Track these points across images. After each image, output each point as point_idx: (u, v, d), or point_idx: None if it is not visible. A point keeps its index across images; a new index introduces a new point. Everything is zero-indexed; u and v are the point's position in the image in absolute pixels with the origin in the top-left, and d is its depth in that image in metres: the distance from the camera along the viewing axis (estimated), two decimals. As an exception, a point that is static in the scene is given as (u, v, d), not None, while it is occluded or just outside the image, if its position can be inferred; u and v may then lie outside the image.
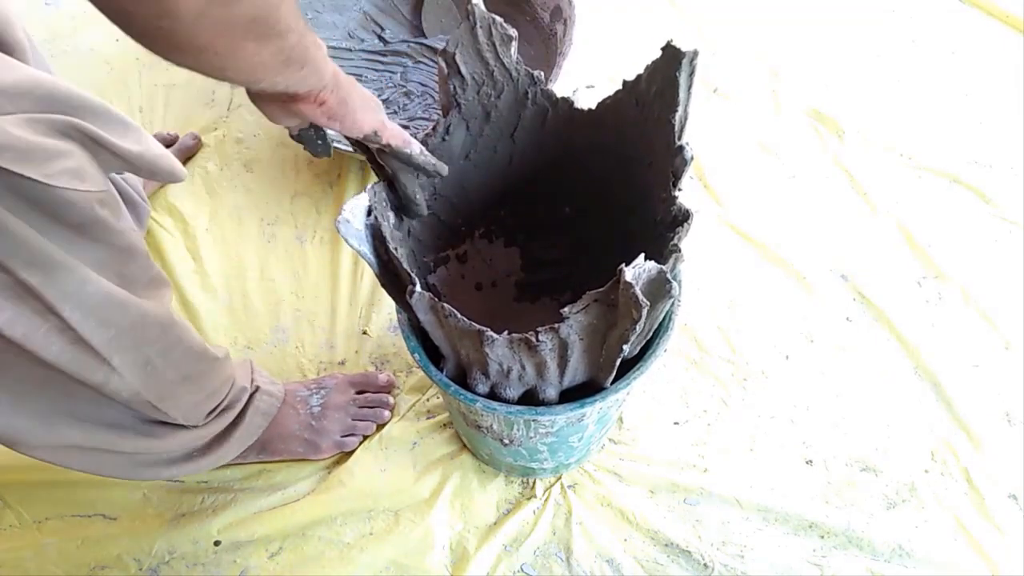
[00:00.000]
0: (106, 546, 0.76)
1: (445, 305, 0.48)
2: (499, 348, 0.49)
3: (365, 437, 0.82)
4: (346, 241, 0.50)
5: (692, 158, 0.51)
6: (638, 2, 1.33)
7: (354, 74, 1.16)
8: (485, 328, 0.48)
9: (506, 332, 0.48)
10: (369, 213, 0.52)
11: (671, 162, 0.52)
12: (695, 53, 0.49)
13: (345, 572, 0.74)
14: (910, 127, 1.13)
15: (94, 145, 0.51)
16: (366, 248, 0.51)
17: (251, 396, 0.73)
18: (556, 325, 0.47)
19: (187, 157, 1.09)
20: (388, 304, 0.93)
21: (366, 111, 0.49)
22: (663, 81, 0.52)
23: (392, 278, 0.53)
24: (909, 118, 1.15)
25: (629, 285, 0.42)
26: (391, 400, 0.84)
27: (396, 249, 0.51)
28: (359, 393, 0.83)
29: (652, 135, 0.55)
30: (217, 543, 0.76)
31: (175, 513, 0.78)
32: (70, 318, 0.49)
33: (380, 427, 0.83)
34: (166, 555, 0.75)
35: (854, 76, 1.21)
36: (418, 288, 0.48)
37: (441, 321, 0.50)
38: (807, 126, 1.14)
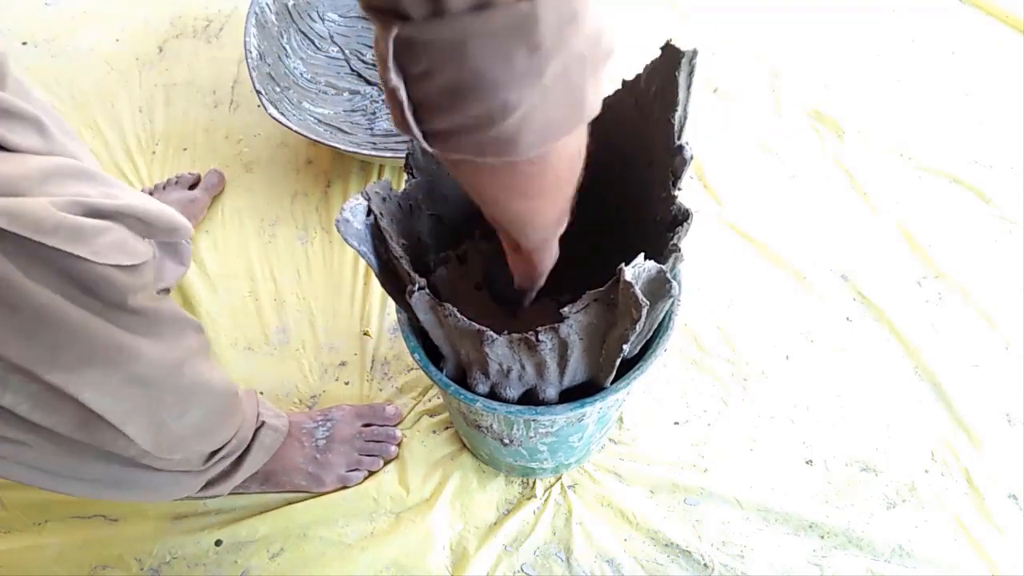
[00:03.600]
0: (107, 546, 0.76)
1: (445, 305, 0.48)
2: (499, 348, 0.49)
3: (371, 472, 0.80)
4: (346, 241, 0.50)
5: (692, 157, 0.51)
6: (638, 2, 1.33)
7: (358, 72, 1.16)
8: (485, 328, 0.48)
9: (506, 332, 0.48)
10: (369, 213, 0.52)
11: (671, 161, 0.52)
12: (694, 52, 0.49)
13: (346, 572, 0.74)
14: (910, 127, 1.13)
15: (128, 217, 0.49)
16: (366, 248, 0.51)
17: (255, 432, 0.71)
18: (556, 325, 0.47)
19: (214, 196, 1.05)
20: (389, 305, 0.94)
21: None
22: (662, 80, 0.52)
23: (392, 278, 0.53)
24: (909, 118, 1.15)
25: (629, 285, 0.42)
26: (398, 434, 0.82)
27: (396, 248, 0.51)
28: (366, 426, 0.81)
29: (652, 134, 0.55)
30: (218, 543, 0.76)
31: (176, 513, 0.78)
32: (87, 400, 0.47)
33: (386, 462, 0.81)
34: (167, 555, 0.75)
35: (854, 76, 1.21)
36: (418, 287, 0.48)
37: (441, 321, 0.50)
38: (807, 126, 1.14)
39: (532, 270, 0.50)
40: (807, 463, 0.81)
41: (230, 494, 0.76)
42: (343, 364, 0.89)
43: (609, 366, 0.52)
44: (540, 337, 0.48)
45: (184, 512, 0.78)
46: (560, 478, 0.79)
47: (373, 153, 0.94)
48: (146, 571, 0.75)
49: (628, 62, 1.18)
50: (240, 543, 0.76)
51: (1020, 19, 1.28)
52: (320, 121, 1.06)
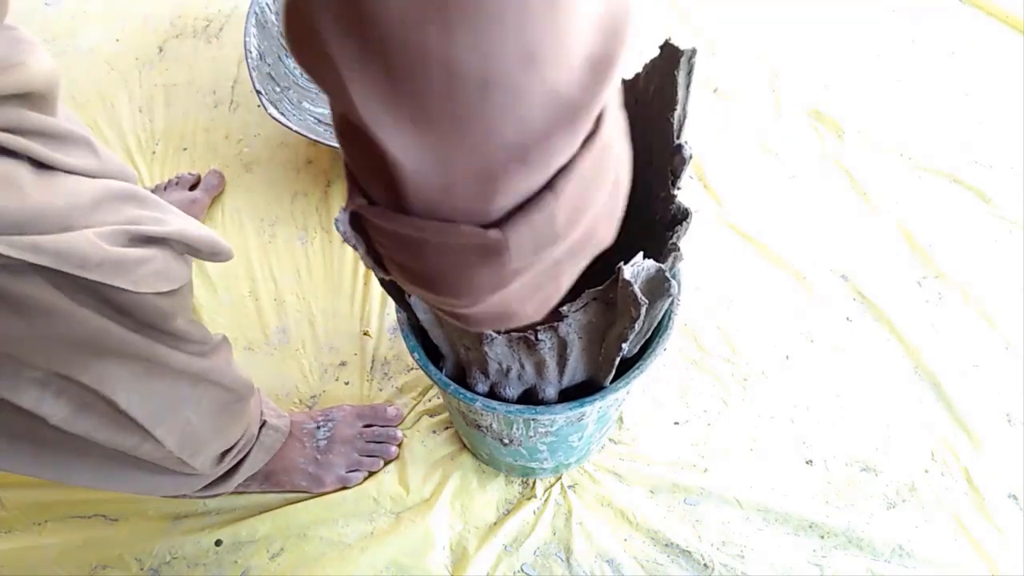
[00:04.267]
0: (107, 546, 0.76)
1: None
2: (498, 347, 0.49)
3: (371, 473, 0.80)
4: (345, 239, 0.49)
5: (691, 156, 0.51)
6: (638, 2, 1.33)
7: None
8: None
9: (504, 331, 0.48)
10: None
11: (670, 161, 0.52)
12: (693, 51, 0.49)
13: (346, 572, 0.74)
14: (910, 127, 1.13)
15: (175, 243, 0.50)
16: (364, 248, 0.51)
17: (258, 432, 0.72)
18: (555, 324, 0.47)
19: (214, 197, 1.05)
20: (389, 305, 0.94)
21: None
22: (661, 79, 0.52)
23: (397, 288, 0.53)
24: (909, 118, 1.15)
25: (628, 283, 0.42)
26: (399, 435, 0.82)
27: None
28: (367, 427, 0.81)
29: (651, 134, 0.55)
30: (218, 543, 0.76)
31: (176, 513, 0.78)
32: (120, 401, 0.49)
33: (387, 463, 0.81)
34: (167, 555, 0.75)
35: (854, 76, 1.21)
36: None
37: (440, 320, 0.50)
38: (807, 126, 1.14)
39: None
40: (807, 463, 0.81)
41: (231, 493, 0.76)
42: (343, 364, 0.89)
43: (608, 365, 0.52)
44: (539, 336, 0.48)
45: (184, 512, 0.78)
46: (560, 478, 0.79)
47: None
48: (146, 571, 0.75)
49: (628, 60, 1.16)
50: (240, 543, 0.76)
51: (1020, 19, 1.27)
52: (320, 121, 1.06)
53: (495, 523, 0.77)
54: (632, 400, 0.85)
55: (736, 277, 0.96)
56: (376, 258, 0.28)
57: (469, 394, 0.55)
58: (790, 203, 1.04)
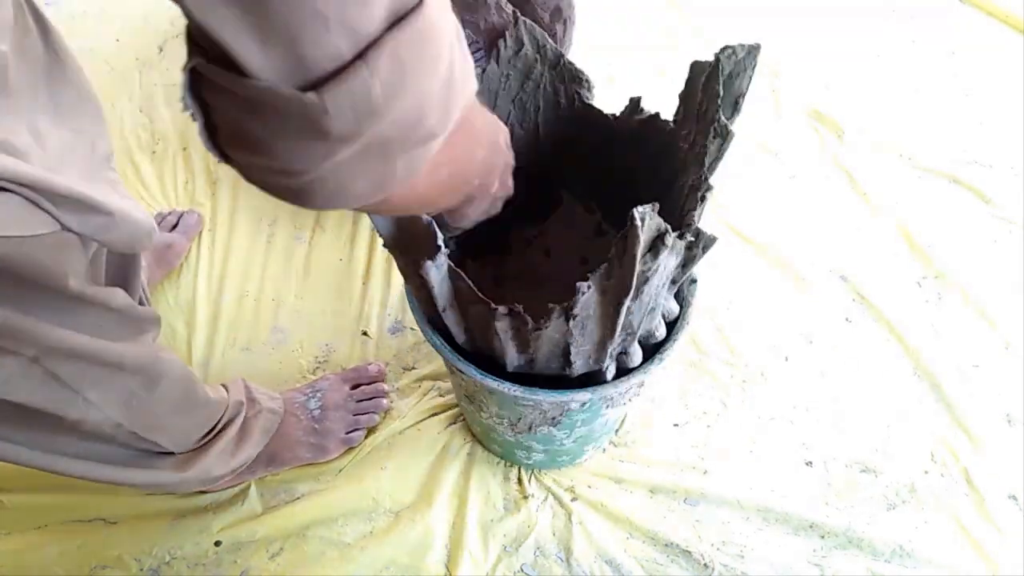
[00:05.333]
0: (107, 547, 0.76)
1: (462, 274, 0.49)
2: (504, 321, 0.49)
3: (370, 430, 0.82)
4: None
5: (732, 135, 0.51)
6: (638, 2, 1.33)
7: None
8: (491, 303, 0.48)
9: (517, 305, 0.49)
10: None
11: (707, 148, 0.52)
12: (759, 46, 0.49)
13: (345, 572, 0.74)
14: (910, 127, 1.13)
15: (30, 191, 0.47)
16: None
17: (253, 416, 0.73)
18: (565, 303, 0.47)
19: (192, 237, 1.01)
20: (388, 305, 0.94)
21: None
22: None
23: (406, 246, 0.52)
24: (909, 118, 1.15)
25: (632, 217, 0.42)
26: (386, 387, 0.85)
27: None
28: (354, 388, 0.84)
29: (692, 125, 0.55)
30: (218, 543, 0.76)
31: (176, 514, 0.78)
32: (35, 357, 0.49)
33: (384, 415, 0.84)
34: (167, 555, 0.75)
35: (854, 76, 1.21)
36: (442, 250, 0.48)
37: (457, 287, 0.50)
38: (807, 126, 1.14)
39: (472, 212, 0.46)
40: (807, 464, 0.81)
41: (236, 483, 0.77)
42: (342, 365, 0.89)
43: (611, 330, 0.51)
44: (550, 316, 0.48)
45: (184, 512, 0.78)
46: (560, 479, 0.79)
47: None
48: (146, 571, 0.75)
49: (628, 61, 1.19)
50: (240, 543, 0.76)
51: (1020, 19, 1.28)
52: None
53: (495, 523, 0.77)
54: (632, 402, 0.85)
55: (736, 278, 0.96)
56: (212, 134, 0.28)
57: (464, 361, 0.55)
58: (790, 203, 1.04)
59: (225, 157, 0.29)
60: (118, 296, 0.55)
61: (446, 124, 0.30)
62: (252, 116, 0.26)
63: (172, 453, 0.66)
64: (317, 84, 0.24)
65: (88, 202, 0.48)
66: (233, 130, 0.27)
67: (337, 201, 0.30)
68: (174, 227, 1.00)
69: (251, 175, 0.30)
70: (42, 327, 0.49)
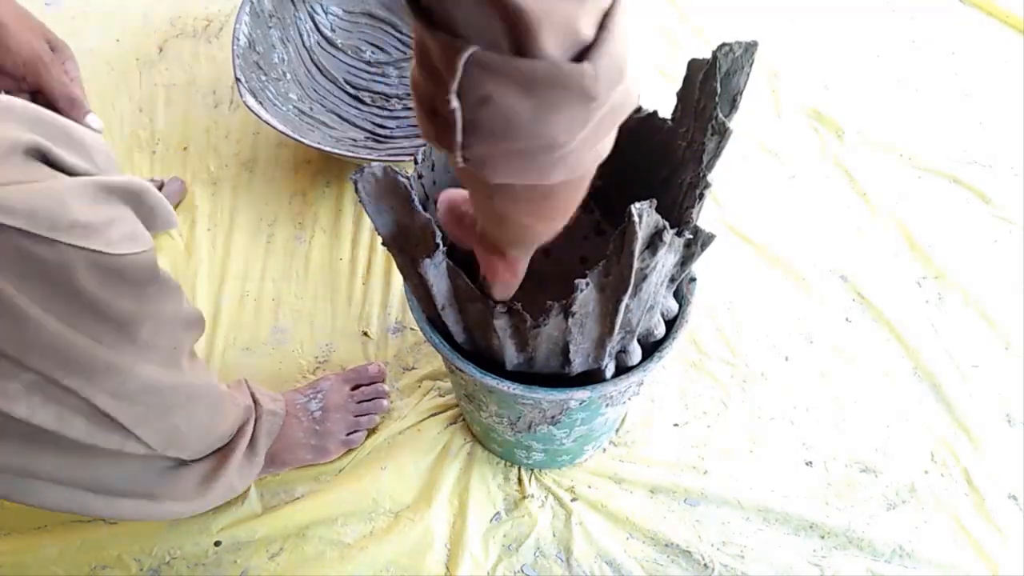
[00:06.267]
0: (107, 546, 0.76)
1: (460, 272, 0.48)
2: (503, 319, 0.49)
3: (370, 431, 0.82)
4: (360, 199, 0.48)
5: (730, 132, 0.51)
6: (638, 2, 1.33)
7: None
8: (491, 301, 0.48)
9: (515, 303, 0.49)
10: (385, 172, 0.51)
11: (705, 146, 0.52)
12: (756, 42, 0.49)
13: (345, 572, 0.74)
14: (910, 127, 1.13)
15: (135, 202, 0.49)
16: (381, 206, 0.50)
17: (256, 421, 0.73)
18: (564, 301, 0.47)
19: (176, 203, 1.04)
20: (388, 305, 0.94)
21: None
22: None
23: (404, 244, 0.52)
24: (909, 118, 1.15)
25: (630, 213, 0.42)
26: (385, 388, 0.85)
27: (421, 212, 0.50)
28: (354, 389, 0.84)
29: (691, 123, 0.55)
30: (217, 543, 0.76)
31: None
32: (102, 404, 0.49)
33: (382, 416, 0.84)
34: (166, 555, 0.75)
35: (854, 76, 1.21)
36: (441, 248, 0.48)
37: (456, 286, 0.50)
38: (807, 126, 1.14)
39: (512, 276, 0.49)
40: (807, 464, 0.81)
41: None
42: (342, 365, 0.89)
43: (610, 328, 0.51)
44: (548, 313, 0.48)
45: (183, 512, 0.78)
46: (560, 479, 0.79)
47: (337, 151, 0.95)
48: (146, 571, 0.74)
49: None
50: (240, 543, 0.76)
51: (1020, 19, 1.28)
52: (302, 113, 1.06)
53: (495, 523, 0.77)
54: (632, 402, 0.85)
55: (735, 278, 0.96)
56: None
57: (462, 359, 0.55)
58: (790, 203, 1.04)
59: (465, 157, 0.30)
60: (184, 295, 0.56)
61: (638, 97, 0.33)
62: (527, 96, 0.27)
63: (189, 476, 0.66)
64: (582, 55, 0.27)
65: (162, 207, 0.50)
66: (504, 117, 0.28)
67: (573, 170, 0.32)
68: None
69: (495, 165, 0.31)
70: (125, 365, 0.48)
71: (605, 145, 0.33)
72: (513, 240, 0.44)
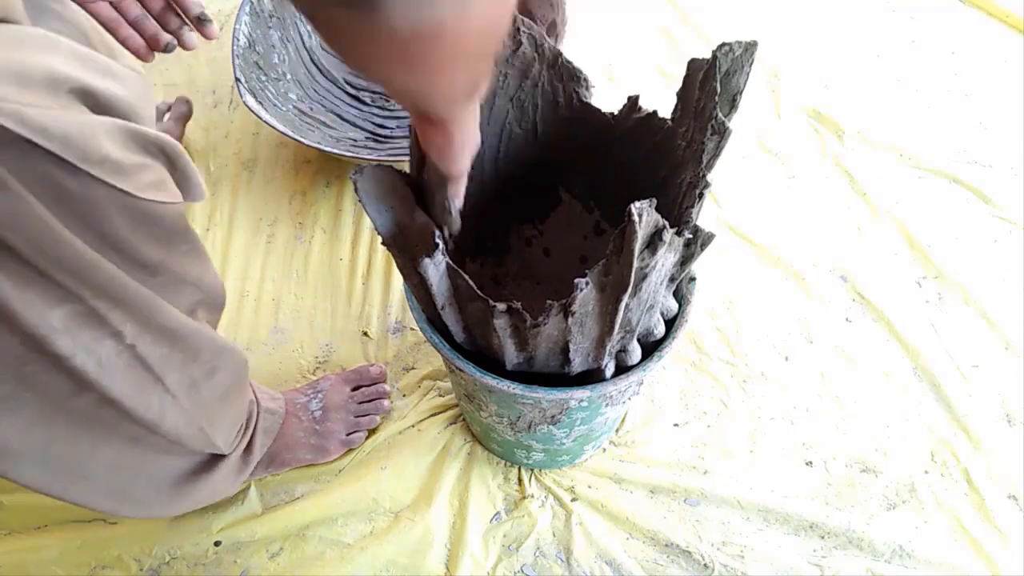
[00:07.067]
0: (107, 547, 0.76)
1: (461, 272, 0.48)
2: (503, 319, 0.49)
3: (371, 431, 0.82)
4: (359, 196, 0.48)
5: (730, 133, 0.51)
6: (638, 2, 1.33)
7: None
8: (491, 301, 0.48)
9: (516, 302, 0.49)
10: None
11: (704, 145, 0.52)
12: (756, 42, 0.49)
13: (345, 572, 0.74)
14: (910, 127, 1.13)
15: (167, 161, 0.49)
16: (380, 204, 0.50)
17: (257, 416, 0.73)
18: (563, 300, 0.47)
19: (184, 122, 1.07)
20: (389, 305, 0.94)
21: (467, 154, 0.43)
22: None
23: (404, 244, 0.52)
24: (909, 118, 1.15)
25: (630, 212, 0.42)
26: (387, 388, 0.85)
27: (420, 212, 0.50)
28: (355, 389, 0.84)
29: (691, 125, 0.55)
30: (217, 543, 0.76)
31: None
32: (131, 337, 0.48)
33: (383, 416, 0.84)
34: (166, 555, 0.75)
35: (854, 76, 1.21)
36: (440, 248, 0.48)
37: (456, 286, 0.50)
38: (807, 126, 1.14)
39: (448, 146, 0.41)
40: (807, 464, 0.81)
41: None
42: (342, 365, 0.89)
43: (609, 327, 0.51)
44: (548, 312, 0.48)
45: (184, 512, 0.78)
46: (560, 479, 0.79)
47: (336, 151, 0.95)
48: (146, 571, 0.74)
49: (629, 61, 1.19)
50: (240, 543, 0.76)
51: (1020, 19, 1.28)
52: (302, 113, 1.06)
53: (495, 523, 0.77)
54: (632, 402, 0.85)
55: (735, 278, 0.96)
56: None
57: (463, 359, 0.55)
58: (790, 203, 1.04)
59: None
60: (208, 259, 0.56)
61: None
62: None
63: (224, 459, 0.66)
64: None
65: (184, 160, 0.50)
66: None
67: (414, 8, 0.25)
68: (165, 114, 1.04)
69: None
70: (150, 299, 0.48)
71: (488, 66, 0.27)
72: (415, 99, 0.36)
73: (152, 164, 0.47)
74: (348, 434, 0.81)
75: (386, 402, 0.84)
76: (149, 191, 0.46)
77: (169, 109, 1.07)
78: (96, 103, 0.44)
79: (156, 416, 0.53)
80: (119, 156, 0.43)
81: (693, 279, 0.61)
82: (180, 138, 1.05)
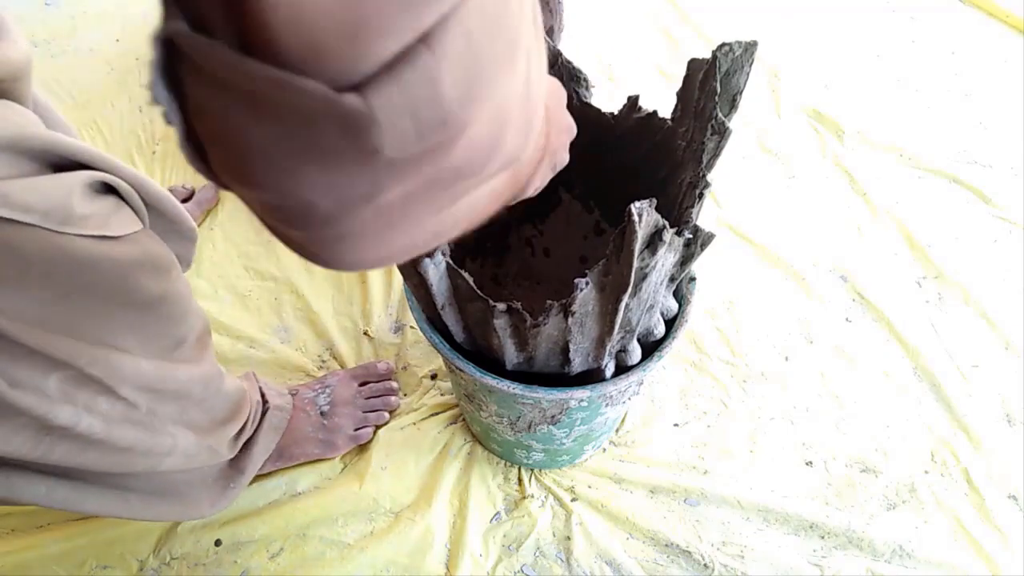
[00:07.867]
0: (107, 546, 0.76)
1: (462, 272, 0.48)
2: (503, 319, 0.49)
3: (378, 427, 0.83)
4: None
5: (730, 132, 0.51)
6: (638, 3, 1.33)
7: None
8: (492, 301, 0.48)
9: (516, 302, 0.49)
10: None
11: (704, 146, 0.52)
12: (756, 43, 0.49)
13: (345, 572, 0.74)
14: (910, 127, 1.13)
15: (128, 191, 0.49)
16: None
17: (263, 414, 0.74)
18: (563, 300, 0.47)
19: (206, 211, 1.04)
20: (390, 305, 0.94)
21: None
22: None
23: None
24: (909, 118, 1.15)
25: (630, 212, 0.42)
26: (395, 385, 0.85)
27: None
28: (362, 385, 0.84)
29: (691, 125, 0.55)
30: (218, 543, 0.76)
31: (175, 513, 0.78)
32: (128, 396, 0.50)
33: (392, 413, 0.84)
34: (167, 555, 0.75)
35: (854, 76, 1.21)
36: (441, 247, 0.48)
37: (456, 285, 0.50)
38: (807, 126, 1.14)
39: (530, 186, 0.33)
40: (807, 464, 0.81)
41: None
42: (344, 364, 0.89)
43: (609, 327, 0.51)
44: (548, 312, 0.48)
45: (184, 512, 0.78)
46: (560, 479, 0.79)
47: None
48: (146, 571, 0.75)
49: (629, 61, 1.19)
50: (240, 543, 0.76)
51: (1020, 19, 1.28)
52: None
53: (495, 523, 0.77)
54: (632, 402, 0.85)
55: (735, 278, 0.96)
56: (194, 139, 0.19)
57: (463, 359, 0.55)
58: (790, 203, 1.04)
59: (219, 179, 0.20)
60: (187, 292, 0.56)
61: (526, 142, 0.21)
62: (258, 121, 0.17)
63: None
64: (361, 84, 0.16)
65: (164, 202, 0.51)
66: (226, 142, 0.18)
67: (374, 260, 0.21)
68: (187, 200, 1.03)
69: (258, 214, 0.21)
70: (132, 359, 0.49)
71: (460, 215, 0.21)
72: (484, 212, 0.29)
73: (120, 202, 0.47)
74: (356, 429, 0.81)
75: (395, 398, 0.84)
76: (128, 226, 0.46)
77: (192, 194, 1.04)
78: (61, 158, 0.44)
79: (168, 448, 0.56)
80: (94, 208, 0.43)
81: (693, 279, 0.61)
82: (200, 223, 1.03)
